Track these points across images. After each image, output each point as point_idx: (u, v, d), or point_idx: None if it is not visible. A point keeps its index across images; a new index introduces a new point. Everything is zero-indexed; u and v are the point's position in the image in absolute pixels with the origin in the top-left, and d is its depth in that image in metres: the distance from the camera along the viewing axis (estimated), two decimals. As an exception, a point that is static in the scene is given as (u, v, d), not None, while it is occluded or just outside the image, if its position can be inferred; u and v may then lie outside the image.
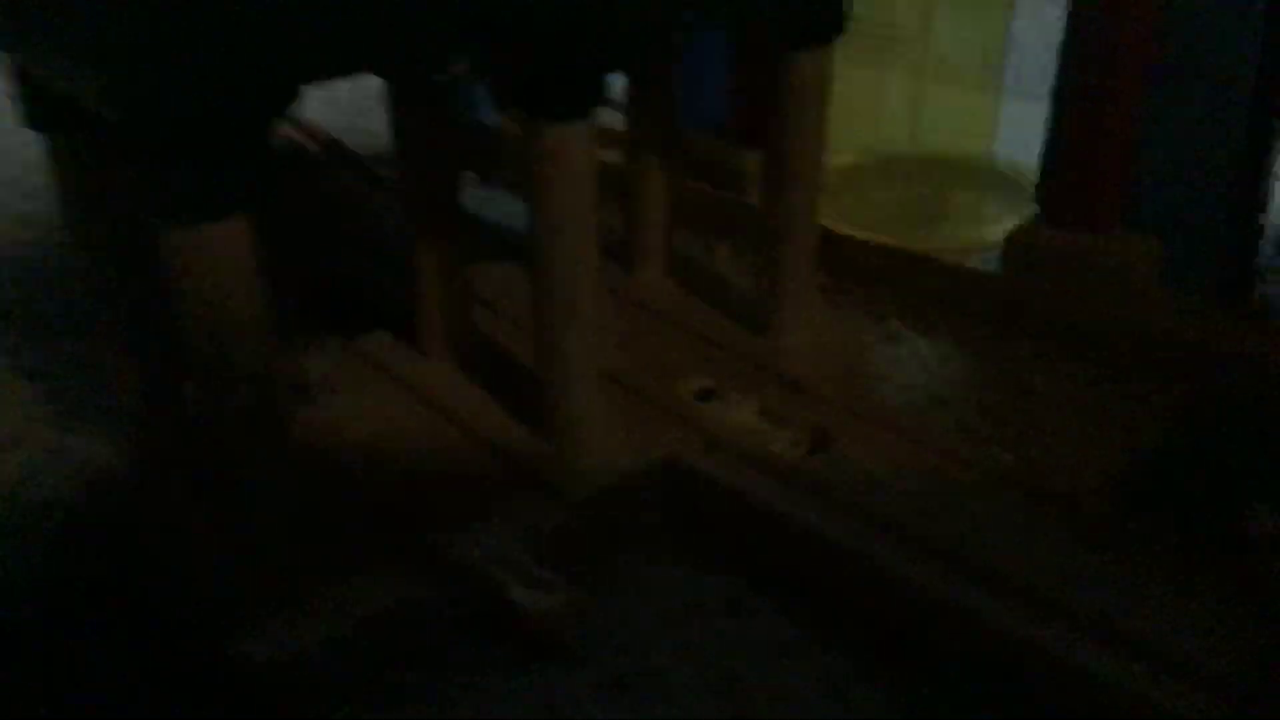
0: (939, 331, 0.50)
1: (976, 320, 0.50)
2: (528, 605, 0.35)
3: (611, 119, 0.50)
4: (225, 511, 0.34)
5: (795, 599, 0.37)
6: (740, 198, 0.57)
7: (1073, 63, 0.48)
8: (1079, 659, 0.32)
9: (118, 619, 0.37)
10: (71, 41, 0.27)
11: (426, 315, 0.45)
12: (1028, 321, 0.49)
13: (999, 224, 0.54)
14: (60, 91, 0.30)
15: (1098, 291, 0.48)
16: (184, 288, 0.29)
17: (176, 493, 0.38)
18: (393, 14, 0.29)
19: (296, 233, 0.56)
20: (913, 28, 0.55)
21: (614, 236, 0.50)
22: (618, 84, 0.47)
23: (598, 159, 0.37)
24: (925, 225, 0.57)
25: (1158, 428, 0.43)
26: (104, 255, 0.36)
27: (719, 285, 0.51)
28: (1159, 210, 0.49)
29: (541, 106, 0.34)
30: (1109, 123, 0.47)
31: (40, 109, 0.34)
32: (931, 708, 0.33)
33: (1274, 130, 0.47)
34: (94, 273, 0.36)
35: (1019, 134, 0.61)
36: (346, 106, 0.78)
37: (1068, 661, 0.32)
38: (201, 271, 0.29)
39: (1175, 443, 0.41)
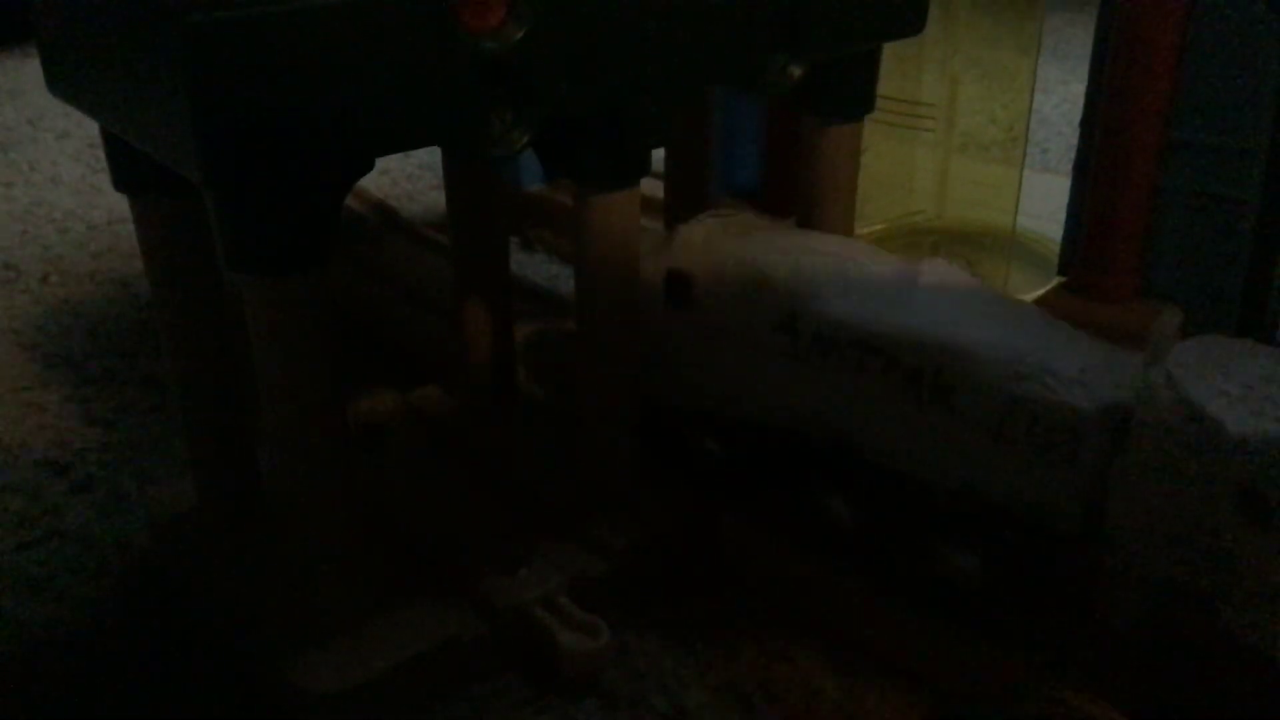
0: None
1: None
2: (572, 647, 0.36)
3: (651, 188, 0.53)
4: (286, 549, 0.36)
5: (832, 646, 0.38)
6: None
7: (1092, 138, 0.51)
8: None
9: (182, 652, 0.39)
10: (163, 111, 0.30)
11: (472, 369, 0.47)
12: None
13: (1024, 293, 0.56)
14: (148, 155, 0.33)
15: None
16: (264, 337, 0.32)
17: (239, 532, 0.40)
18: (460, 98, 0.32)
19: (354, 290, 0.59)
20: (940, 104, 0.58)
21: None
22: (657, 154, 0.50)
23: (640, 223, 0.39)
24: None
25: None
26: (183, 309, 0.38)
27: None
28: (1178, 281, 0.51)
29: (592, 176, 0.37)
30: (1127, 195, 0.49)
31: (127, 171, 0.37)
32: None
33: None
34: (171, 323, 0.39)
35: (1045, 206, 0.63)
36: (397, 175, 0.82)
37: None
38: (281, 321, 0.32)
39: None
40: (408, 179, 0.82)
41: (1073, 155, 0.54)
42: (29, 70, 1.10)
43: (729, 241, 0.41)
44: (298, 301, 0.32)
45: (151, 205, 0.37)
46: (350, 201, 0.68)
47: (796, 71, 0.40)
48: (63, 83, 0.36)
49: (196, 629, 0.39)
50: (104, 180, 0.81)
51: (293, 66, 0.29)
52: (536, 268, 0.67)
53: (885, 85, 0.46)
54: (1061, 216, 0.55)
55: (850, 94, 0.43)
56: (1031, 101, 0.58)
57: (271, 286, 0.31)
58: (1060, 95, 0.99)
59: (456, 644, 0.36)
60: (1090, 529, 0.33)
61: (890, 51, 0.45)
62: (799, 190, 0.46)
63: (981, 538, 0.35)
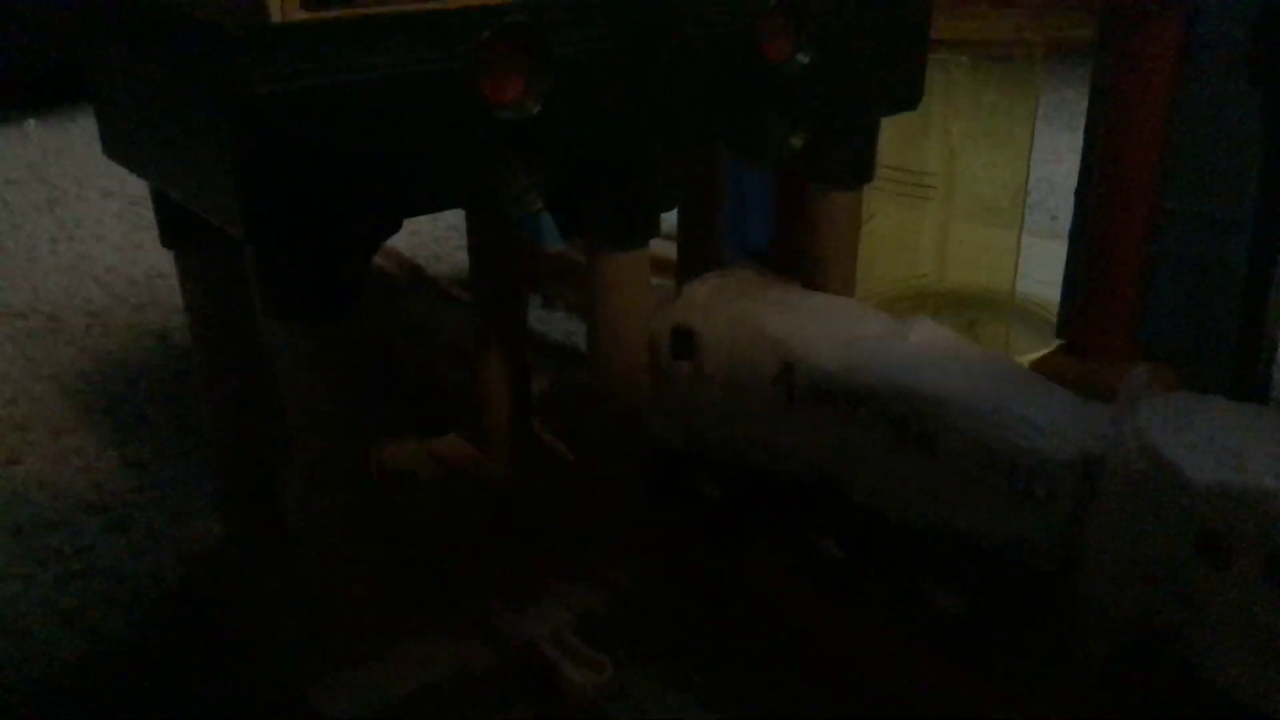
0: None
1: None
2: (578, 681, 0.38)
3: (664, 248, 0.55)
4: (309, 582, 0.38)
5: (835, 683, 0.40)
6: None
7: (1087, 205, 0.53)
8: None
9: (209, 679, 0.41)
10: (210, 174, 0.32)
11: (490, 419, 0.49)
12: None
13: (1025, 354, 0.58)
14: (194, 212, 0.36)
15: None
16: (296, 380, 0.34)
17: (265, 567, 0.43)
18: (481, 163, 0.35)
19: (384, 343, 0.62)
20: (941, 171, 0.60)
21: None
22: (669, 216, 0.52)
23: (651, 282, 0.42)
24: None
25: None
26: (219, 355, 0.41)
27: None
28: (1172, 341, 0.53)
29: (604, 236, 0.39)
30: (1121, 261, 0.51)
31: (174, 228, 0.40)
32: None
33: (1275, 265, 0.51)
34: (207, 369, 0.41)
35: (1051, 272, 0.65)
36: (426, 236, 0.85)
37: None
38: (312, 366, 0.34)
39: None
40: (435, 240, 0.85)
41: (1074, 222, 0.56)
42: (76, 131, 1.15)
43: (731, 298, 0.44)
44: (328, 348, 0.34)
45: (195, 260, 0.40)
46: (381, 260, 0.71)
47: (797, 141, 0.42)
48: (117, 145, 0.39)
49: (223, 658, 0.41)
50: (145, 237, 0.84)
51: (331, 135, 0.31)
52: (555, 323, 0.70)
53: (890, 153, 0.48)
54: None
55: (850, 163, 0.46)
56: (1029, 169, 0.61)
57: (305, 334, 0.34)
58: (1071, 164, 1.01)
59: (469, 675, 0.38)
60: (1065, 569, 0.34)
61: (896, 122, 0.47)
62: (802, 254, 0.48)
63: (963, 578, 0.37)
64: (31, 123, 1.17)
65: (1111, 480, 0.32)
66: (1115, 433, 0.33)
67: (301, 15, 0.30)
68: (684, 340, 0.43)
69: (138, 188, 0.37)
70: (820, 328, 0.41)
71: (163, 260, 0.78)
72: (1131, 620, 0.32)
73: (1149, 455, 0.31)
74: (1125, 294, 0.52)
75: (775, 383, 0.41)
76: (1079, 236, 0.55)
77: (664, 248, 0.50)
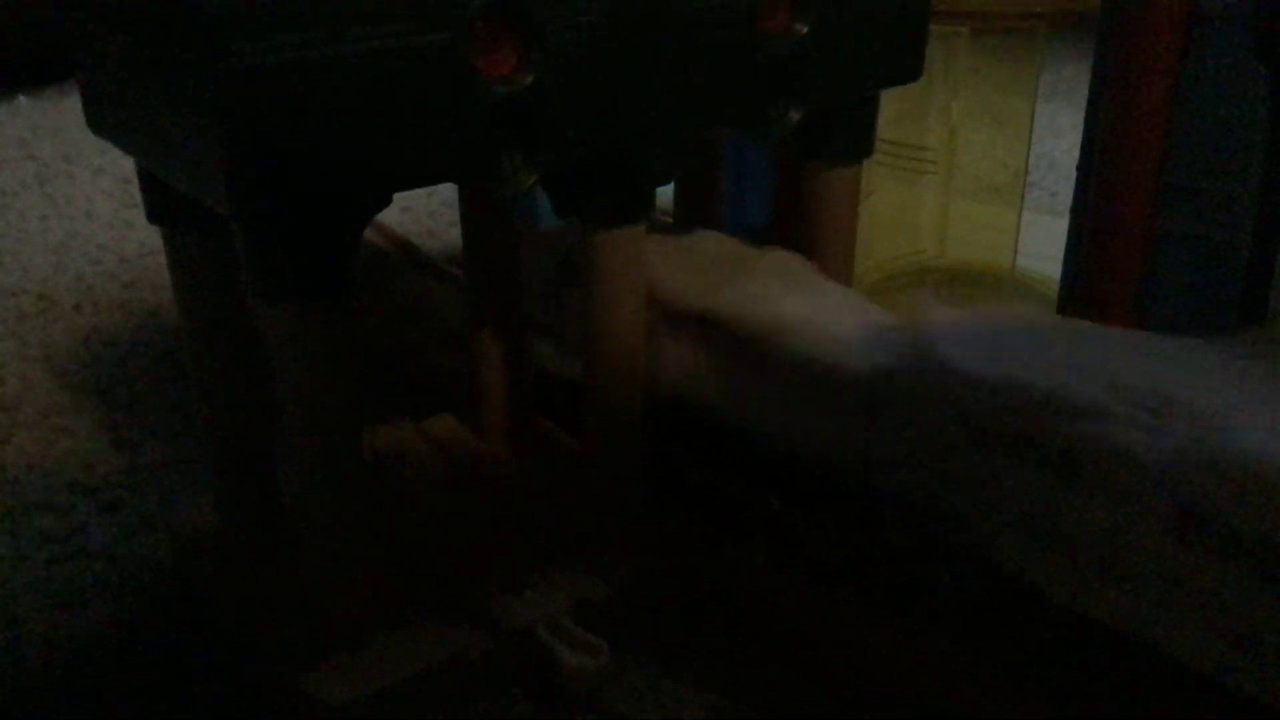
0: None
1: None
2: (574, 665, 0.38)
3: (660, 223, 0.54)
4: (304, 566, 0.38)
5: (828, 669, 0.40)
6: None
7: (1088, 182, 0.52)
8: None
9: (201, 663, 0.40)
10: (196, 149, 0.32)
11: (486, 401, 0.49)
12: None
13: (1025, 330, 0.58)
14: (180, 190, 0.35)
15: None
16: (287, 362, 0.34)
17: (258, 550, 0.42)
18: (473, 139, 0.34)
19: (375, 323, 0.61)
20: (941, 146, 0.59)
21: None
22: (666, 191, 0.52)
23: (645, 259, 0.41)
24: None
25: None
26: (209, 336, 0.40)
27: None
28: (1173, 319, 0.52)
29: (596, 214, 0.39)
30: (1123, 237, 0.51)
31: (160, 205, 0.39)
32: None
33: (1276, 244, 0.51)
34: (198, 351, 0.41)
35: (1051, 248, 0.64)
36: (419, 212, 0.84)
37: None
38: (303, 348, 0.33)
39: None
40: (429, 216, 0.84)
41: (1076, 199, 0.55)
42: (66, 108, 1.13)
43: None
44: (319, 329, 0.34)
45: (182, 237, 0.40)
46: (373, 237, 0.70)
47: (795, 117, 0.42)
48: (102, 122, 0.38)
49: (216, 642, 0.41)
50: (136, 215, 0.83)
51: (318, 109, 0.30)
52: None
53: (891, 129, 0.47)
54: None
55: (849, 138, 0.45)
56: (1030, 145, 0.60)
57: (294, 314, 0.33)
58: (1071, 140, 1.00)
59: (464, 660, 0.38)
60: (871, 472, 0.37)
61: (895, 96, 0.47)
62: (800, 230, 0.47)
63: (795, 488, 0.40)
64: (22, 99, 1.16)
65: (899, 382, 0.36)
66: (903, 341, 0.36)
67: (286, -18, 0.29)
68: (569, 269, 0.47)
69: (129, 165, 0.37)
70: (681, 258, 0.44)
71: (154, 237, 0.77)
72: (919, 508, 0.35)
73: (926, 354, 0.35)
74: (1127, 271, 0.51)
75: (647, 308, 0.43)
76: (1080, 213, 0.54)
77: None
